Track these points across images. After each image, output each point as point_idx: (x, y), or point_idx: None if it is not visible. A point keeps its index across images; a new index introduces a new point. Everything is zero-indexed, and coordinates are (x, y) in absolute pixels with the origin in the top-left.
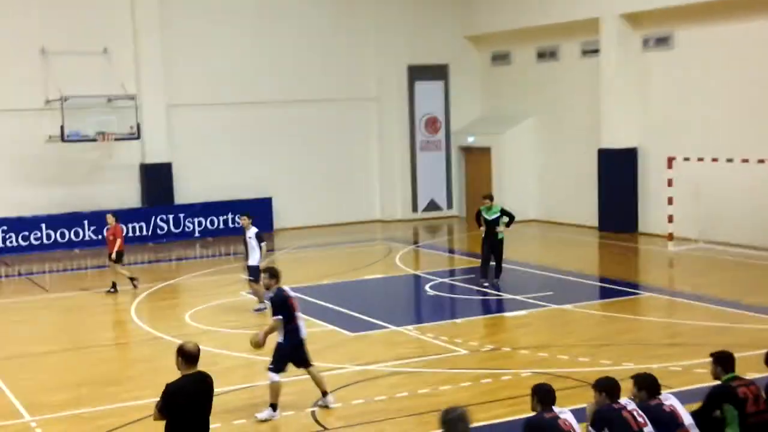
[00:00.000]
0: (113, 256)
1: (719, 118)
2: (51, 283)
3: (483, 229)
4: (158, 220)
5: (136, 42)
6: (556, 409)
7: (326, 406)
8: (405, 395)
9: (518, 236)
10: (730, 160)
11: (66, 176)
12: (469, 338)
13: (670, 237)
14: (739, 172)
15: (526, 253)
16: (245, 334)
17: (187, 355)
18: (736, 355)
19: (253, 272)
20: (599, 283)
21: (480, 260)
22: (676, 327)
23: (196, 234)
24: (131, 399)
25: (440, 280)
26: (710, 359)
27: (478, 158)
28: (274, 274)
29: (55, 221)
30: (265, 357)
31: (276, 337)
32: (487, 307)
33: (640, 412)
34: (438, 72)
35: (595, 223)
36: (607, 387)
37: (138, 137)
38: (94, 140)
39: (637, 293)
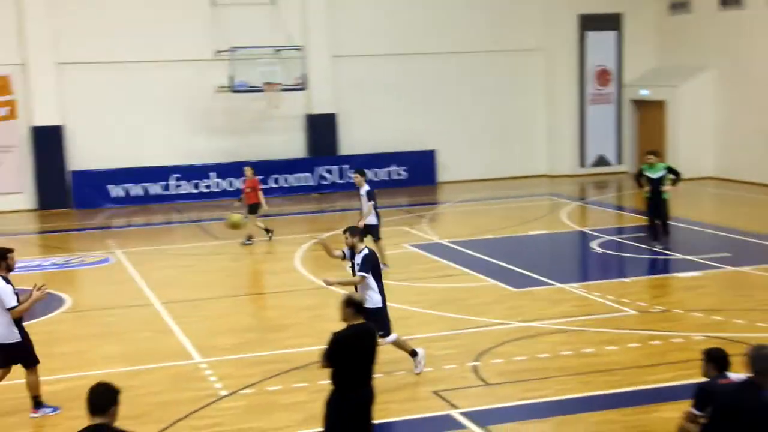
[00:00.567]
0: (250, 208)
1: None
2: (219, 231)
3: (647, 189)
4: (323, 171)
5: None
6: (731, 375)
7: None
8: (569, 354)
9: (693, 194)
10: None
11: (233, 126)
12: (638, 298)
13: None
14: None
15: (701, 212)
16: (408, 286)
17: (357, 306)
18: None
19: (374, 230)
20: None
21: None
22: None
23: None
24: (295, 346)
25: (608, 237)
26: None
27: (651, 112)
28: (358, 232)
29: (223, 170)
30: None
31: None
32: (657, 267)
33: None
34: (611, 21)
35: None
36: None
37: (304, 88)
38: (261, 91)
39: None
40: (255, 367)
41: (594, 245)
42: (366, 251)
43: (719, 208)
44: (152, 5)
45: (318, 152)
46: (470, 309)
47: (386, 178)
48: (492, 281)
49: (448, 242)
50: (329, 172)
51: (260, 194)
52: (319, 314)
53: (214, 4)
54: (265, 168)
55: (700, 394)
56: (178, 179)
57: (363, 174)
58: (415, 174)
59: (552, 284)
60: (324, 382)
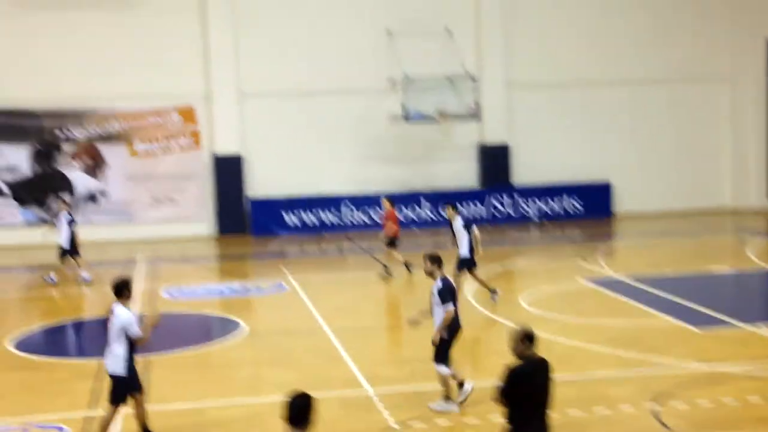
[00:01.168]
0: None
1: None
2: (389, 260)
3: None
4: (494, 201)
5: (477, 22)
6: None
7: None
8: (758, 401)
9: None
10: None
11: (405, 155)
12: None
13: None
14: None
15: None
16: (582, 323)
17: (532, 338)
18: None
19: (464, 263)
20: None
21: None
22: None
23: (533, 217)
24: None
25: None
26: None
27: None
28: (436, 260)
29: (394, 199)
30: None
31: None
32: None
33: None
34: None
35: None
36: None
37: (478, 118)
38: (434, 119)
39: None
40: (424, 398)
41: None
42: (440, 282)
43: None
44: (333, 35)
45: (490, 182)
46: (649, 348)
47: (559, 211)
48: (673, 320)
49: (625, 277)
50: (500, 202)
51: (393, 226)
52: (489, 349)
53: (390, 33)
54: (438, 197)
55: None
56: (350, 208)
57: (455, 207)
58: (590, 206)
59: (739, 326)
60: (496, 418)
